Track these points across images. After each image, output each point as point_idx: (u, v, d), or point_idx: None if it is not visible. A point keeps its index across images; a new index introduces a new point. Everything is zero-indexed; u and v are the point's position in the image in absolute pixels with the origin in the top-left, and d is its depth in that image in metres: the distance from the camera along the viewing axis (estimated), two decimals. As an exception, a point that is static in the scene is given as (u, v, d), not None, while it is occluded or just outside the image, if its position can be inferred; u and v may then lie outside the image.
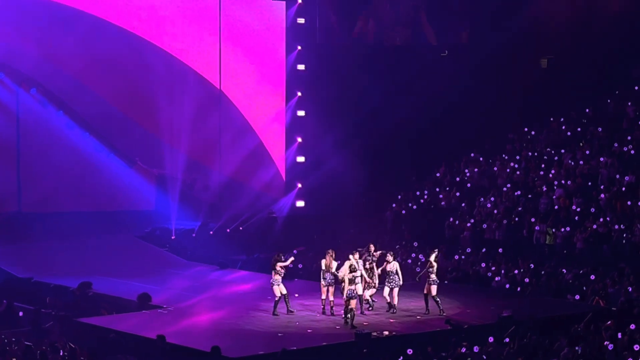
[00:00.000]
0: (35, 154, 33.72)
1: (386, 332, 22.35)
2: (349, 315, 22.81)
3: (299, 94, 38.29)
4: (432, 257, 24.32)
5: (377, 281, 24.62)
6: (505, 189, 34.99)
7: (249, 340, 21.71)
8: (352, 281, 23.22)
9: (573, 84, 39.00)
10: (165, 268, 31.52)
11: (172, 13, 36.07)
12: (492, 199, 34.66)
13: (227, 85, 37.22)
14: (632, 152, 34.14)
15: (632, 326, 22.14)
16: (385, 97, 38.22)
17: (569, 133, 37.42)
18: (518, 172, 35.81)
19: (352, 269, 23.39)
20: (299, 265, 31.34)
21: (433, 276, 24.08)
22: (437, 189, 37.02)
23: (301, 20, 38.29)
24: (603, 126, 36.42)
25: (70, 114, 34.32)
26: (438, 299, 24.10)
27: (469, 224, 33.69)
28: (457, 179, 37.32)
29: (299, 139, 38.36)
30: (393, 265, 24.25)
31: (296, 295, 25.86)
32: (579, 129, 37.35)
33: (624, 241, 30.05)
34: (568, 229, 31.20)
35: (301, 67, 38.32)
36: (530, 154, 36.87)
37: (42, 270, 29.73)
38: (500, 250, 31.67)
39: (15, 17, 32.96)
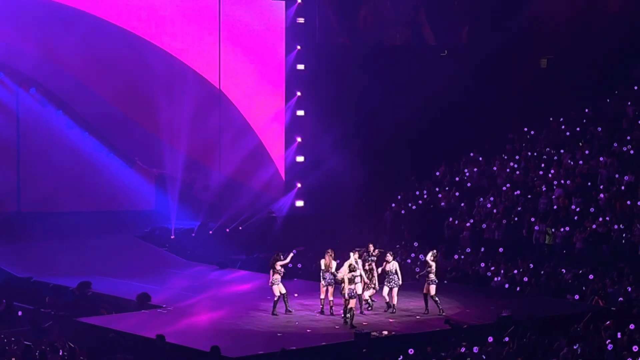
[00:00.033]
0: (34, 154, 33.71)
1: (385, 332, 22.35)
2: (348, 315, 22.81)
3: (299, 93, 38.30)
4: (429, 257, 24.32)
5: (376, 282, 24.62)
6: (504, 188, 34.99)
7: (248, 340, 21.71)
8: (351, 280, 23.22)
9: (573, 84, 39.00)
10: (164, 268, 31.52)
11: (172, 13, 36.08)
12: (492, 198, 34.67)
13: (227, 85, 37.23)
14: (632, 152, 34.14)
15: (632, 326, 22.16)
16: (385, 97, 38.22)
17: (568, 133, 37.43)
18: (517, 172, 35.81)
19: (352, 269, 23.39)
20: (299, 265, 31.35)
21: (432, 276, 24.07)
22: (437, 189, 37.02)
23: (301, 20, 38.30)
24: (603, 126, 36.42)
25: (70, 114, 34.31)
26: (437, 299, 24.10)
27: (468, 224, 33.69)
28: (457, 178, 37.32)
29: (299, 139, 38.37)
30: (392, 265, 24.25)
31: (296, 295, 25.86)
32: (578, 129, 37.36)
33: (623, 241, 30.05)
34: (567, 228, 31.21)
35: (301, 67, 38.33)
36: (529, 153, 36.87)
37: (41, 270, 29.72)
38: (499, 250, 31.67)
39: (15, 16, 32.97)
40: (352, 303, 22.98)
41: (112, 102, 34.84)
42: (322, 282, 24.10)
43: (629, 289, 26.46)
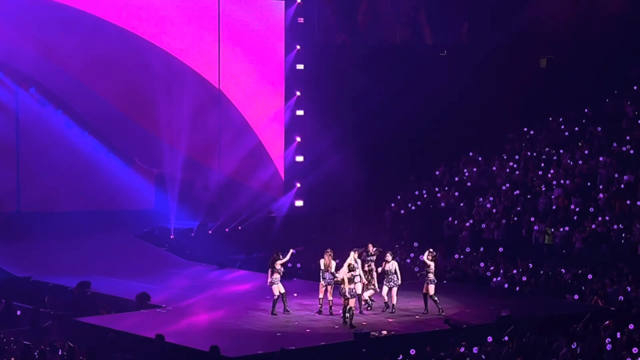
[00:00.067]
0: (34, 154, 33.69)
1: (385, 332, 22.36)
2: (347, 315, 22.82)
3: (298, 93, 38.30)
4: (426, 256, 24.31)
5: (376, 284, 24.62)
6: (504, 188, 35.00)
7: (247, 340, 21.71)
8: (351, 280, 23.22)
9: (572, 84, 38.99)
10: (164, 267, 31.52)
11: (172, 13, 36.07)
12: (491, 198, 34.67)
13: (227, 85, 37.23)
14: (632, 151, 34.14)
15: (631, 326, 22.18)
16: (385, 97, 38.20)
17: (567, 133, 37.43)
18: (517, 172, 35.81)
19: (351, 268, 23.39)
20: (298, 265, 31.36)
21: (431, 275, 24.07)
22: (436, 189, 37.02)
23: (300, 20, 38.29)
24: (602, 126, 36.43)
25: (69, 114, 34.29)
26: (436, 299, 24.10)
27: (467, 224, 33.69)
28: (456, 178, 37.32)
29: (298, 139, 38.37)
30: (392, 265, 24.24)
31: (295, 294, 25.87)
32: (577, 129, 37.36)
33: (622, 241, 30.06)
34: (567, 228, 31.21)
35: (300, 66, 38.32)
36: (529, 153, 36.88)
37: (41, 269, 29.71)
38: (499, 250, 31.67)
39: (15, 16, 32.94)
40: (352, 303, 23.00)
41: (112, 102, 34.83)
42: (322, 282, 24.11)
43: (629, 289, 26.47)
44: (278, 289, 23.98)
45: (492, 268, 30.06)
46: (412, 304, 25.03)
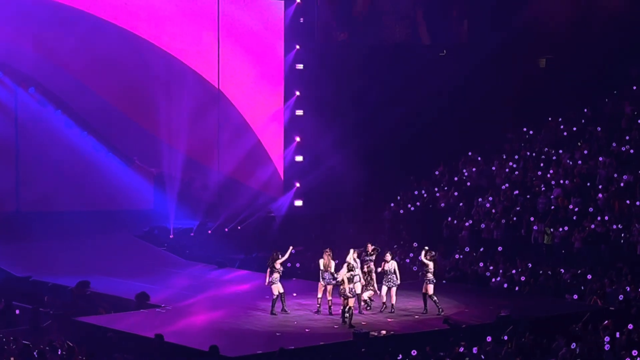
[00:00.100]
0: (33, 154, 33.69)
1: (384, 332, 22.36)
2: (347, 315, 22.82)
3: (298, 93, 38.30)
4: (423, 256, 24.30)
5: (375, 285, 24.61)
6: (503, 188, 35.00)
7: (247, 340, 21.72)
8: (350, 280, 23.23)
9: (571, 84, 39.00)
10: (163, 267, 31.52)
11: (171, 13, 36.07)
12: (491, 198, 34.67)
13: (226, 85, 37.24)
14: (631, 151, 34.15)
15: (630, 326, 22.19)
16: (384, 97, 38.20)
17: (566, 133, 37.44)
18: (516, 172, 35.81)
19: (350, 268, 23.40)
20: (297, 265, 31.35)
21: (430, 275, 24.07)
22: (436, 189, 37.03)
23: (300, 20, 38.28)
24: (601, 126, 36.43)
25: (69, 113, 34.30)
26: (436, 298, 24.10)
27: (467, 224, 33.69)
28: (456, 178, 37.32)
29: (298, 138, 38.37)
30: (391, 265, 24.25)
31: (294, 294, 25.88)
32: (574, 129, 37.37)
33: (622, 241, 30.06)
34: (566, 228, 31.21)
35: (300, 66, 38.33)
36: (528, 153, 36.89)
37: (40, 269, 29.73)
38: (498, 249, 31.68)
39: (15, 16, 32.94)
40: (351, 302, 23.00)
41: (112, 102, 34.83)
42: (322, 282, 24.11)
43: (628, 289, 26.47)
44: (277, 288, 23.98)
45: (491, 268, 30.07)
46: (412, 304, 25.03)
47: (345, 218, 36.11)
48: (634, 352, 20.13)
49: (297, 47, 38.26)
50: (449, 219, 34.64)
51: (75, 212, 33.41)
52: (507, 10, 39.13)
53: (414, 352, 20.40)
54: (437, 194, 36.63)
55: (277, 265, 23.99)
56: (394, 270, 24.19)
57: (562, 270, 29.01)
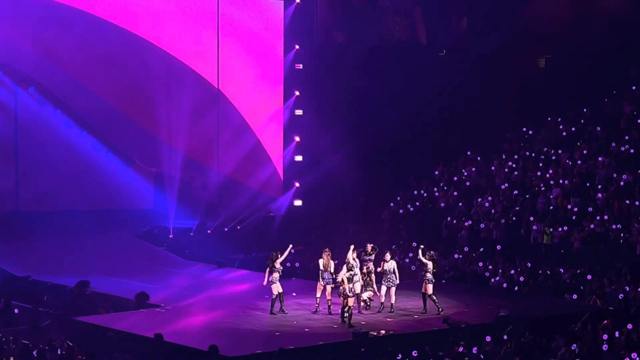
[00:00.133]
0: (33, 153, 33.68)
1: (383, 332, 22.36)
2: (346, 314, 22.83)
3: (297, 93, 38.32)
4: (420, 256, 24.31)
5: (375, 286, 24.61)
6: (503, 188, 35.01)
7: (246, 339, 21.72)
8: (350, 279, 23.24)
9: (571, 84, 39.02)
10: (163, 267, 31.55)
11: (171, 13, 36.08)
12: (490, 198, 34.68)
13: (225, 85, 37.25)
14: (631, 151, 34.16)
15: (629, 326, 22.19)
16: (383, 97, 38.22)
17: (565, 133, 37.45)
18: (516, 172, 35.83)
19: (349, 268, 23.42)
20: (296, 264, 31.36)
21: (429, 275, 24.08)
22: (435, 189, 37.04)
23: (299, 20, 38.29)
24: (601, 126, 36.45)
25: (68, 113, 34.28)
26: (435, 298, 24.11)
27: (466, 224, 33.70)
28: (455, 178, 37.33)
29: (297, 138, 38.39)
30: (390, 265, 24.25)
31: (294, 294, 25.89)
32: (574, 129, 37.38)
33: (621, 241, 30.07)
34: (565, 228, 31.23)
35: (299, 66, 38.35)
36: (527, 153, 36.90)
37: (40, 269, 29.74)
38: (498, 249, 31.70)
39: (14, 16, 32.96)
40: (350, 302, 23.00)
41: (111, 102, 34.84)
42: (321, 281, 24.12)
43: (627, 289, 26.49)
44: (277, 288, 23.98)
45: (490, 268, 30.08)
46: (411, 304, 25.05)
47: (345, 218, 36.13)
48: (634, 355, 20.11)
49: (297, 47, 38.28)
50: (449, 218, 34.65)
51: (75, 212, 33.42)
52: (506, 10, 39.15)
53: (414, 353, 20.40)
54: (437, 194, 36.65)
55: (277, 264, 24.00)
56: (393, 270, 24.20)
57: (562, 270, 29.02)
